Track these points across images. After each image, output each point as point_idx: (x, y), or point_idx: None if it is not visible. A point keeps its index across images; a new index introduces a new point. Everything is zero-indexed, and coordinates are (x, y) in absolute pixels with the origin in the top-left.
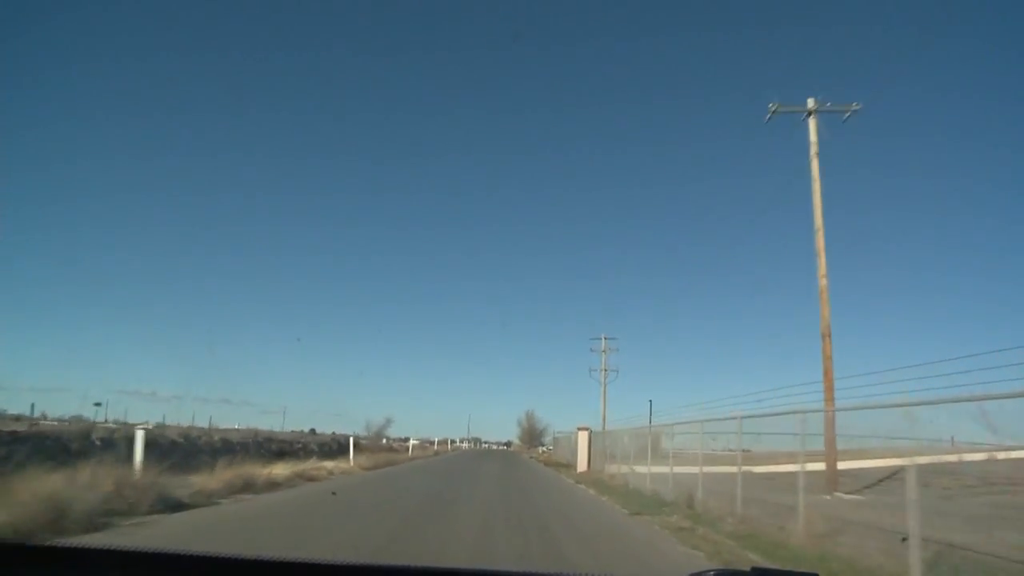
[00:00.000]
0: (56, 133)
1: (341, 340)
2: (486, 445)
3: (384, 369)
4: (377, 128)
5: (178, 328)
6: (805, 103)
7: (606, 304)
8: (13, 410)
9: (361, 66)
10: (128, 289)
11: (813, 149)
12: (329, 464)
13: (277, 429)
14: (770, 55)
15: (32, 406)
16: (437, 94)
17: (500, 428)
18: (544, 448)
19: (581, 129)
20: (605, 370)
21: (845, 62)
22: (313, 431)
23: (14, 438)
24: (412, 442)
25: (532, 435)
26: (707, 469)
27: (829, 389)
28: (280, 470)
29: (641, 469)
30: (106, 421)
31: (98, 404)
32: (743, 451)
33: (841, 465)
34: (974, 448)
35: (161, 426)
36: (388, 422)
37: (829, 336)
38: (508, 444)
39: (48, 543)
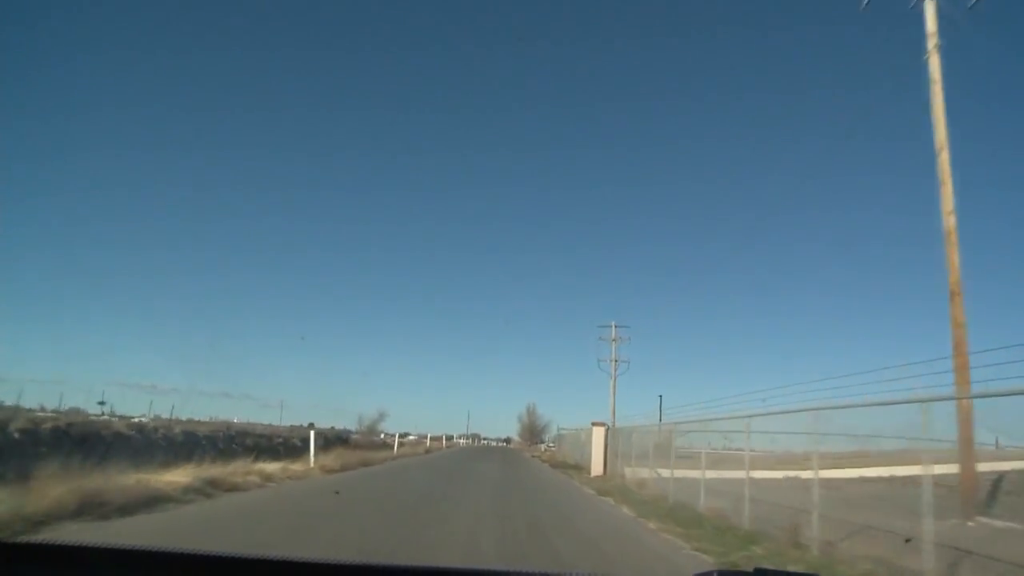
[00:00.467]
0: (57, 127)
1: (341, 334)
2: (485, 441)
3: (384, 364)
4: (376, 126)
5: (178, 322)
6: None
7: (611, 297)
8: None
9: (365, 63)
10: (128, 283)
11: (932, 42)
12: (273, 467)
13: (276, 423)
14: None
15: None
16: (437, 90)
17: (500, 424)
18: (546, 445)
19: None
20: (615, 361)
21: None
22: (312, 425)
23: None
24: (409, 438)
25: (533, 431)
26: (771, 475)
27: (963, 368)
28: (181, 477)
29: (691, 474)
30: (102, 414)
31: (102, 403)
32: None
33: (953, 468)
34: None
35: (157, 419)
36: (381, 416)
37: (960, 295)
38: (508, 441)
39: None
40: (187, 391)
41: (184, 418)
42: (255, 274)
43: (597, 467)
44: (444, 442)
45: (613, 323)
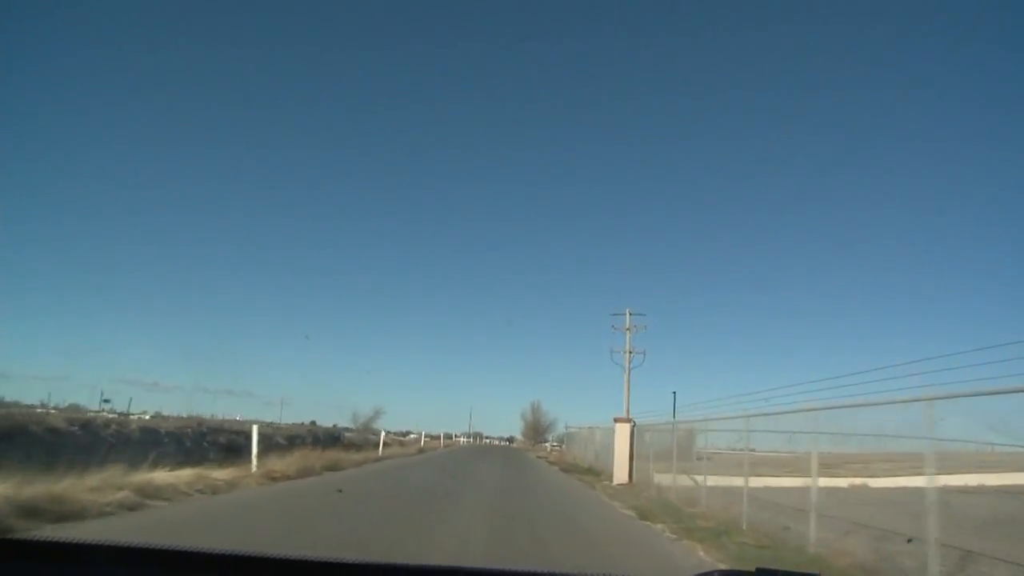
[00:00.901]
0: (60, 125)
1: (344, 332)
2: (487, 440)
3: (386, 362)
4: (377, 124)
5: (181, 319)
6: None
7: (615, 292)
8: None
9: (367, 61)
10: (130, 280)
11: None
12: (186, 474)
13: (277, 421)
14: None
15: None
16: (438, 86)
17: (503, 423)
18: (551, 445)
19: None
20: (630, 352)
21: None
22: (314, 423)
23: None
24: (409, 437)
25: (537, 430)
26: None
27: None
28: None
29: (774, 483)
30: (101, 411)
31: (107, 400)
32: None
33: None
34: None
35: (158, 416)
36: (377, 413)
37: None
38: (511, 440)
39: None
40: (190, 388)
41: (148, 415)
42: (258, 271)
43: (621, 473)
44: (443, 441)
45: (628, 310)
